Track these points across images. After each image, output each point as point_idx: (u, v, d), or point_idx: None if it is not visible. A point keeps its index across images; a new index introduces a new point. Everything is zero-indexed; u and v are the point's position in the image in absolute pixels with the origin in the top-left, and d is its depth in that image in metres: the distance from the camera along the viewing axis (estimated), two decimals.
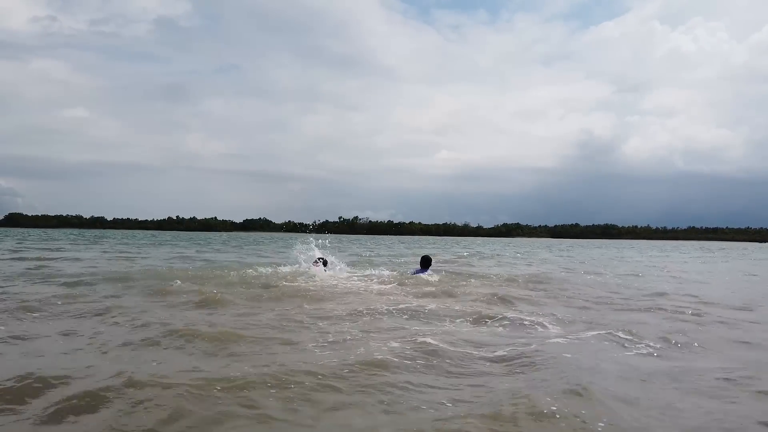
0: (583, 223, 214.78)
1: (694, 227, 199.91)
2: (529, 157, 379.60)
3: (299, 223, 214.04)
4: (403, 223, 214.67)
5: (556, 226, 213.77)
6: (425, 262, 13.65)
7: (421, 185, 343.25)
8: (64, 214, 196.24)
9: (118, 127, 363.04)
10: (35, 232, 77.21)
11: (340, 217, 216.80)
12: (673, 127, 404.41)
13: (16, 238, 46.02)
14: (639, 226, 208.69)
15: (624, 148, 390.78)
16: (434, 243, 67.03)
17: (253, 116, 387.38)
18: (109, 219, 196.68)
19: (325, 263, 13.37)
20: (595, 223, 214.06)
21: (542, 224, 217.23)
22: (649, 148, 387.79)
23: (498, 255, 30.66)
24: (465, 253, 32.08)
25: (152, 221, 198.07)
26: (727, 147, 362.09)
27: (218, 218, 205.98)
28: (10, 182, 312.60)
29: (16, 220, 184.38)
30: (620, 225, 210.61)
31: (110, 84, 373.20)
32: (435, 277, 12.74)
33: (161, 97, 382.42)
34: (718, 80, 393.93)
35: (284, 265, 13.92)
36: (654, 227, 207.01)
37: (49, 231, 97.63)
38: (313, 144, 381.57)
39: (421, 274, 12.90)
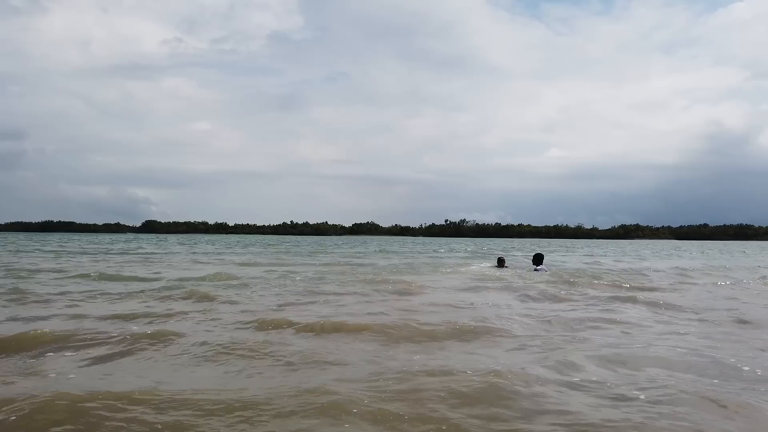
0: (712, 223, 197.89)
1: None
2: (649, 153, 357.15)
3: (406, 227, 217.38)
4: (512, 225, 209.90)
5: (681, 226, 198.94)
6: (538, 259, 14.82)
7: (530, 185, 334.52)
8: (192, 221, 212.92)
9: (238, 138, 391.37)
10: (202, 238, 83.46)
11: (446, 220, 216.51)
12: None
13: (217, 245, 49.32)
14: None
15: (760, 140, 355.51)
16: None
17: (361, 121, 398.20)
18: (231, 225, 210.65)
19: (503, 262, 16.64)
20: (727, 223, 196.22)
21: (665, 225, 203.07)
22: None
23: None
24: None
25: (269, 226, 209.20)
26: None
27: (329, 222, 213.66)
28: (147, 192, 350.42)
29: (151, 227, 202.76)
30: (757, 225, 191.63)
31: (230, 98, 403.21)
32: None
33: (275, 108, 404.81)
34: None
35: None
36: None
37: (219, 237, 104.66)
38: (418, 146, 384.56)
39: (543, 269, 14.45)
